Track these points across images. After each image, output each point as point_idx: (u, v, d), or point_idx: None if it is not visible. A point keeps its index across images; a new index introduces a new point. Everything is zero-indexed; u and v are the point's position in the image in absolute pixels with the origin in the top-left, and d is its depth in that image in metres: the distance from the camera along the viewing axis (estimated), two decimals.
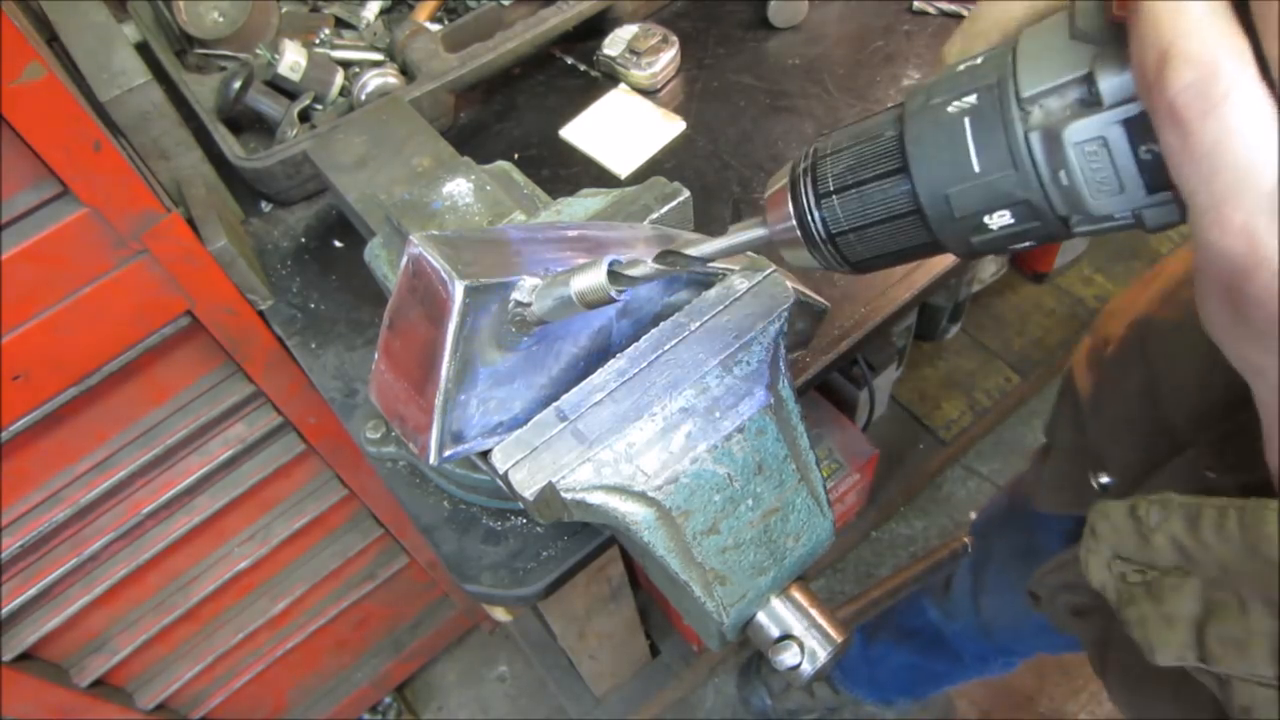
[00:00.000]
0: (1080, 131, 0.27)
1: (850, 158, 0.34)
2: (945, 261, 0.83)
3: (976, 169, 0.30)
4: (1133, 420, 0.64)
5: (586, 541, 0.69)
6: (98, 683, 1.10)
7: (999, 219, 0.30)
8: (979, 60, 0.31)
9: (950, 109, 0.30)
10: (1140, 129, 0.27)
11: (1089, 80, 0.27)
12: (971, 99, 0.30)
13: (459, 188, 0.67)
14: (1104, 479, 0.66)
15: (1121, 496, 0.65)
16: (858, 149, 0.34)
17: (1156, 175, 0.27)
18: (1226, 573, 0.33)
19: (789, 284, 0.52)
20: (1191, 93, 0.23)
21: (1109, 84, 0.27)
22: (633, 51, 1.01)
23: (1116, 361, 0.69)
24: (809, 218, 0.35)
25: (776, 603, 0.52)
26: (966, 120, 0.30)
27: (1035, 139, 0.28)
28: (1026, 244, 0.32)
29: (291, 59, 0.96)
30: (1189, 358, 0.58)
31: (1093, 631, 0.69)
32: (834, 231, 0.35)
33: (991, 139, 0.29)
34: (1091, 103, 0.27)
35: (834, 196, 0.34)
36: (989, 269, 1.96)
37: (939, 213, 0.31)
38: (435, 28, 1.01)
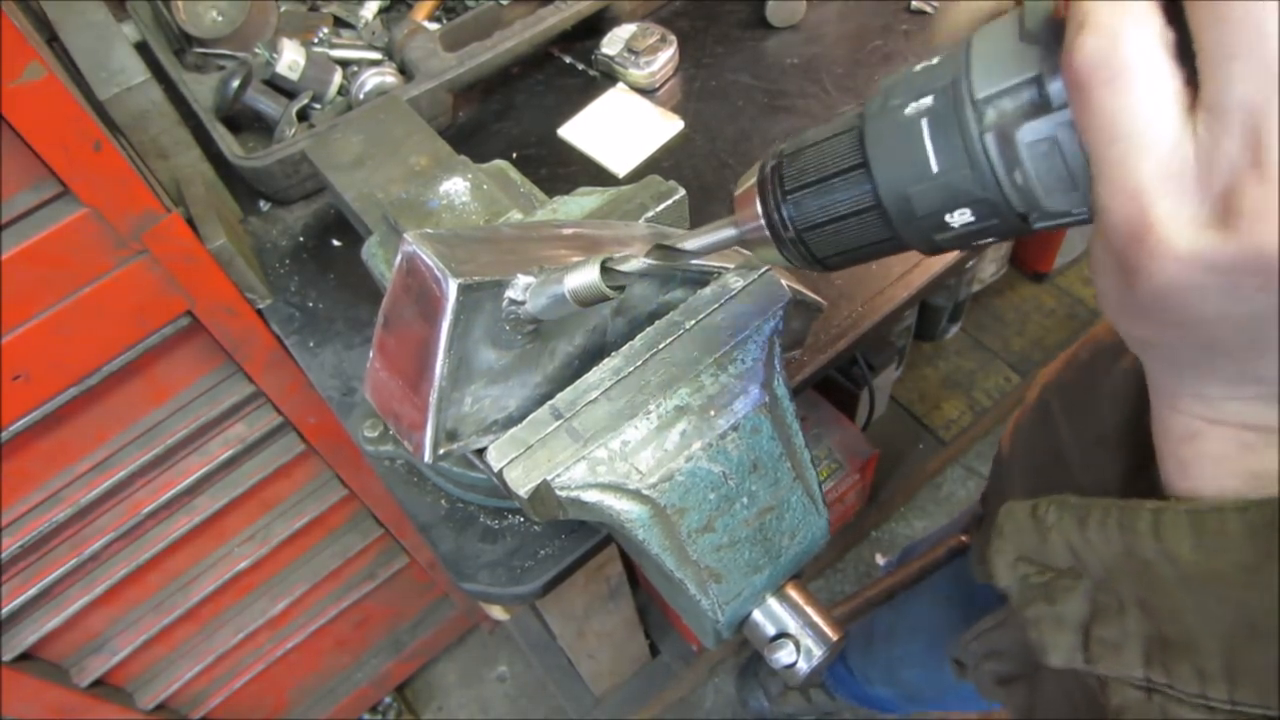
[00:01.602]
0: (1032, 132, 0.28)
1: (814, 155, 0.35)
2: (943, 260, 0.83)
3: (935, 169, 0.30)
4: (1043, 485, 0.64)
5: (584, 540, 0.69)
6: (98, 683, 1.11)
7: (960, 217, 0.31)
8: (935, 61, 0.31)
9: (908, 111, 0.31)
10: None
11: (1038, 82, 0.28)
12: (928, 100, 0.30)
13: (456, 187, 0.67)
14: None
15: None
16: (820, 148, 0.34)
17: None
18: (1109, 573, 0.33)
19: (784, 282, 0.53)
20: (1096, 59, 0.24)
21: (1056, 85, 0.27)
22: (631, 51, 1.01)
23: (1026, 426, 0.70)
24: (775, 216, 0.36)
25: (772, 601, 0.52)
26: (924, 121, 0.30)
27: (990, 139, 0.29)
28: (989, 240, 0.32)
29: (290, 58, 0.96)
30: (1090, 415, 0.59)
31: (1018, 699, 0.68)
32: (800, 229, 0.35)
33: (948, 140, 0.30)
34: (1042, 105, 0.28)
35: (799, 194, 0.35)
36: (989, 269, 1.96)
37: (901, 211, 0.32)
38: (434, 27, 1.01)
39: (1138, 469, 0.36)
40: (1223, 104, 0.22)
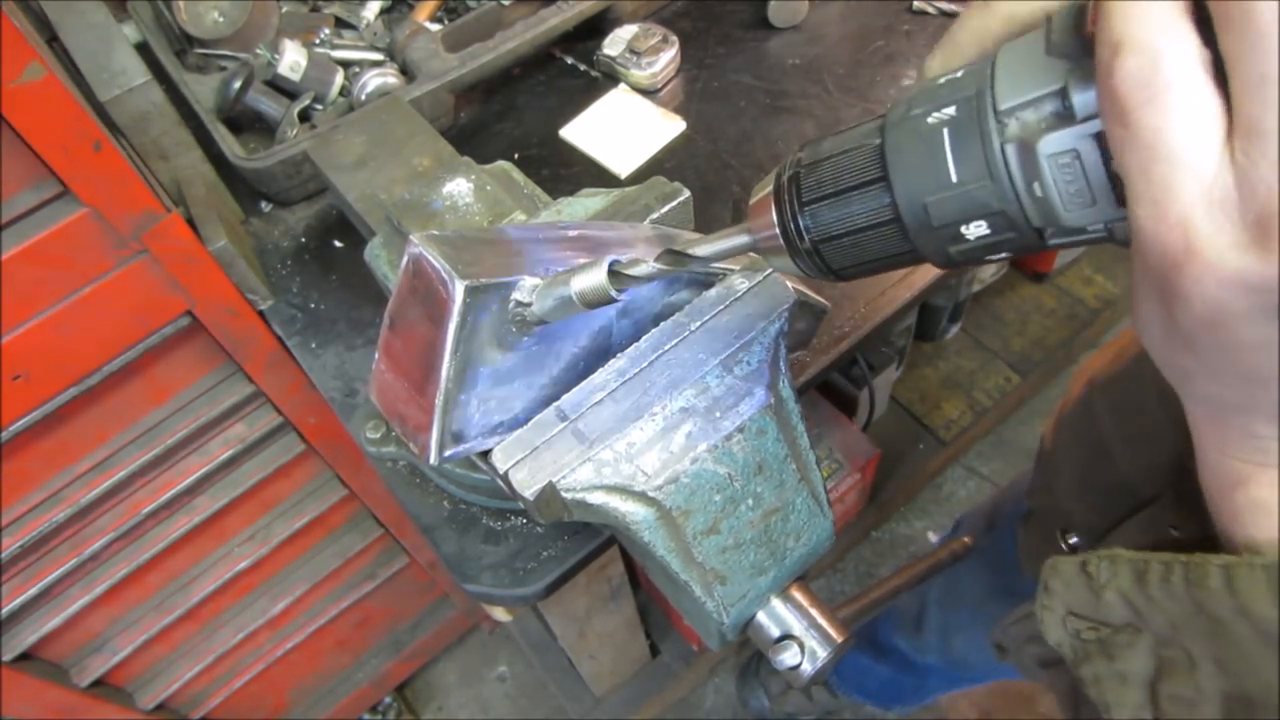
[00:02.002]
0: (1054, 144, 0.28)
1: (832, 167, 0.34)
2: None
3: (954, 179, 0.30)
4: (1089, 478, 0.64)
5: (587, 541, 0.69)
6: (98, 683, 1.10)
7: (975, 229, 0.31)
8: (959, 74, 0.31)
9: (930, 120, 0.30)
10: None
11: (1063, 94, 0.28)
12: (950, 110, 0.30)
13: (459, 188, 0.67)
14: (1072, 539, 0.66)
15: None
16: (839, 158, 0.34)
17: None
18: (1175, 630, 0.33)
19: (790, 284, 0.52)
20: (1135, 79, 0.24)
21: (1081, 98, 0.27)
22: (633, 51, 1.01)
23: (1069, 420, 0.69)
24: (791, 226, 0.36)
25: (777, 603, 0.52)
26: (945, 131, 0.30)
27: (1011, 150, 0.29)
28: (1002, 255, 0.32)
29: (291, 59, 0.96)
30: (1137, 412, 0.58)
31: (1063, 682, 0.68)
32: (816, 240, 0.35)
33: (969, 150, 0.30)
34: (1065, 116, 0.28)
35: (816, 205, 0.35)
36: (989, 269, 1.96)
37: (917, 222, 0.32)
38: (435, 28, 1.01)
39: (1187, 467, 0.36)
40: (1260, 128, 0.22)
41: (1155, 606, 0.33)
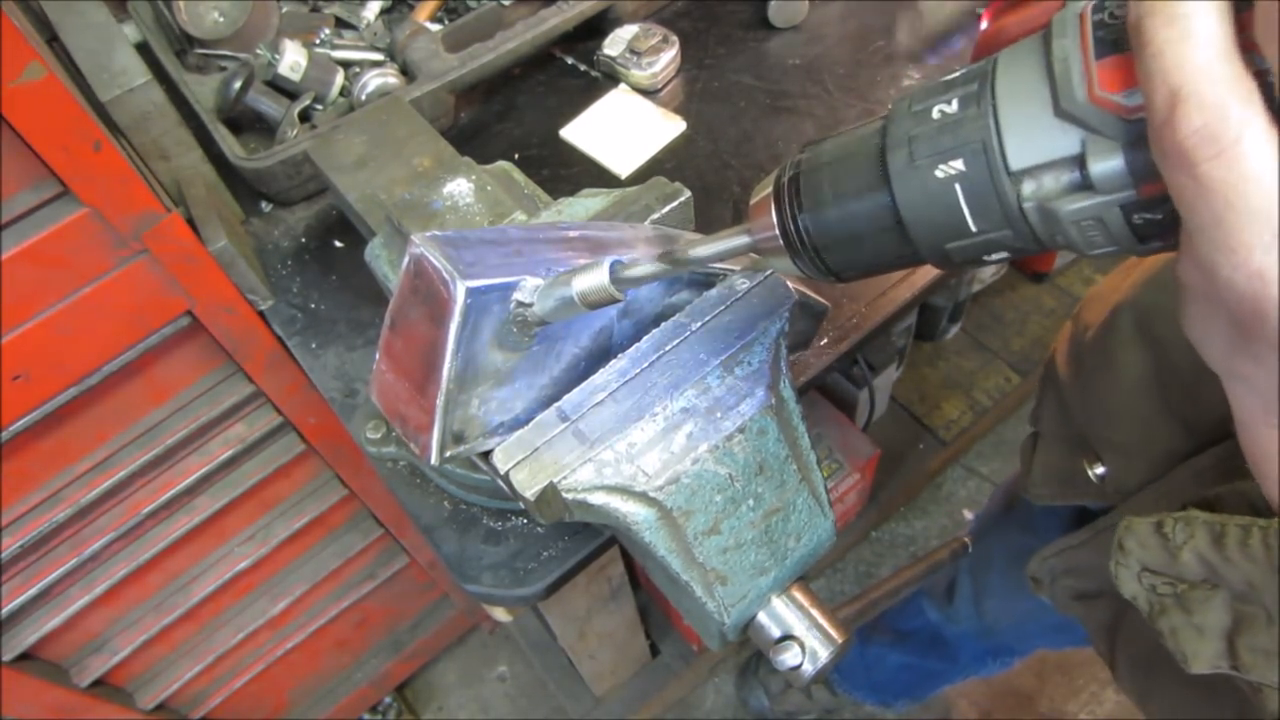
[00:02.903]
0: (1076, 212, 0.28)
1: (832, 174, 0.34)
2: None
3: (973, 229, 0.31)
4: (1127, 407, 0.64)
5: (587, 542, 0.69)
6: (98, 683, 1.10)
7: (997, 257, 0.32)
8: (954, 107, 0.30)
9: (938, 174, 0.30)
10: (1133, 206, 0.28)
11: (1080, 163, 0.28)
12: (959, 164, 0.30)
13: (460, 188, 0.67)
14: (1099, 469, 0.66)
15: (1118, 487, 0.64)
16: (838, 166, 0.34)
17: (1149, 230, 0.28)
18: (1253, 587, 0.34)
19: (790, 284, 0.52)
20: (1201, 135, 0.24)
21: (1102, 172, 0.27)
22: (633, 51, 1.01)
23: (1101, 348, 0.68)
24: (791, 227, 0.36)
25: (778, 603, 0.52)
26: (957, 187, 0.30)
27: (1030, 208, 0.29)
28: (1002, 256, 0.33)
29: (292, 59, 0.96)
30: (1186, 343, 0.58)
31: (1098, 616, 0.69)
32: (816, 241, 0.35)
33: (985, 205, 0.30)
34: (1085, 185, 0.28)
35: (816, 208, 0.35)
36: (989, 269, 1.96)
37: (933, 254, 0.33)
38: (435, 28, 1.01)
39: None
40: None
41: (1233, 567, 0.35)
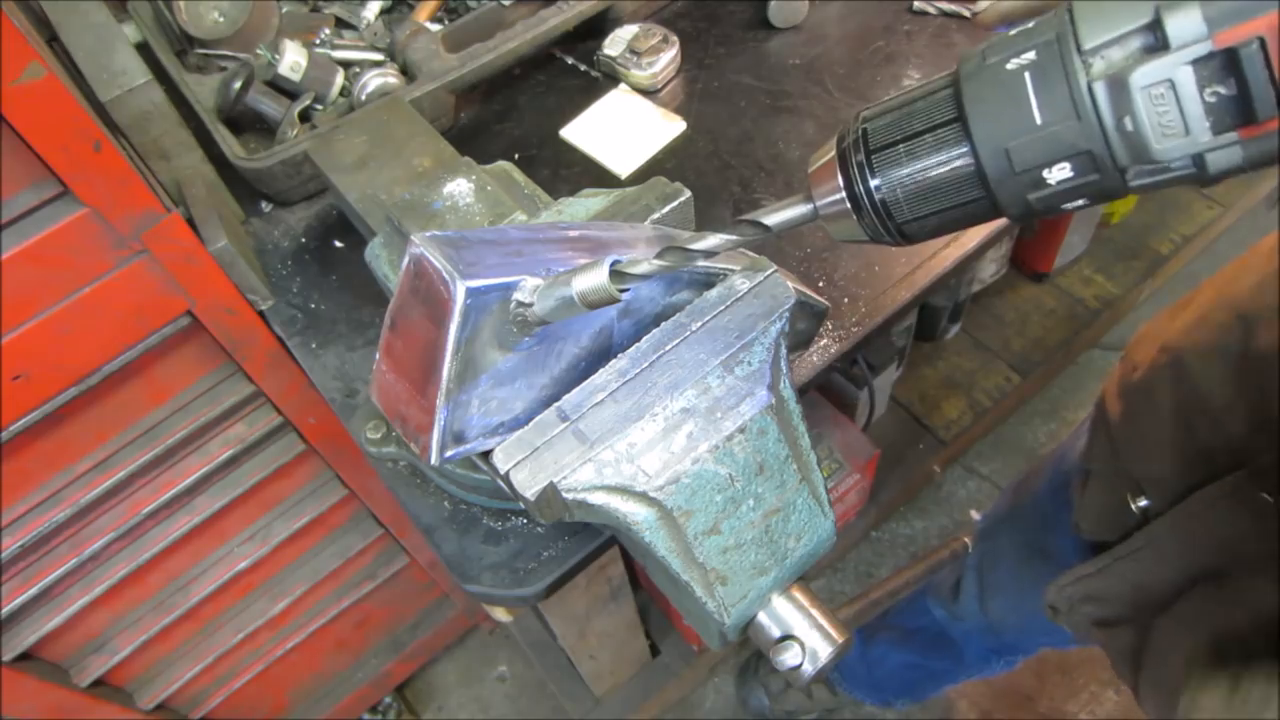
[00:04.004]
0: (1148, 75, 0.28)
1: (902, 117, 0.34)
2: (946, 260, 0.83)
3: (1038, 120, 0.30)
4: (1168, 442, 0.65)
5: (587, 542, 0.69)
6: (98, 683, 1.10)
7: (1058, 173, 0.31)
8: (1031, 25, 0.31)
9: (1009, 65, 0.30)
10: (1206, 69, 0.27)
11: (1153, 27, 0.28)
12: (1030, 55, 0.30)
13: (460, 188, 0.67)
14: (1142, 502, 0.67)
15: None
16: (909, 109, 0.34)
17: (1222, 116, 0.28)
18: None
19: (790, 284, 0.52)
20: None
21: (1176, 26, 0.27)
22: (633, 51, 1.01)
23: (1146, 386, 0.70)
24: (859, 185, 0.35)
25: (778, 603, 0.52)
26: (1027, 75, 0.30)
27: (1099, 88, 0.29)
28: (1080, 202, 0.32)
29: (292, 59, 0.96)
30: (1225, 380, 0.60)
31: (1120, 642, 0.69)
32: (886, 194, 0.35)
33: (1054, 91, 0.30)
34: (1157, 47, 0.28)
35: (886, 155, 0.34)
36: (989, 269, 1.96)
37: (998, 169, 0.32)
38: (435, 28, 1.01)
39: None
40: None
41: None
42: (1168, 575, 0.63)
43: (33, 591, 0.93)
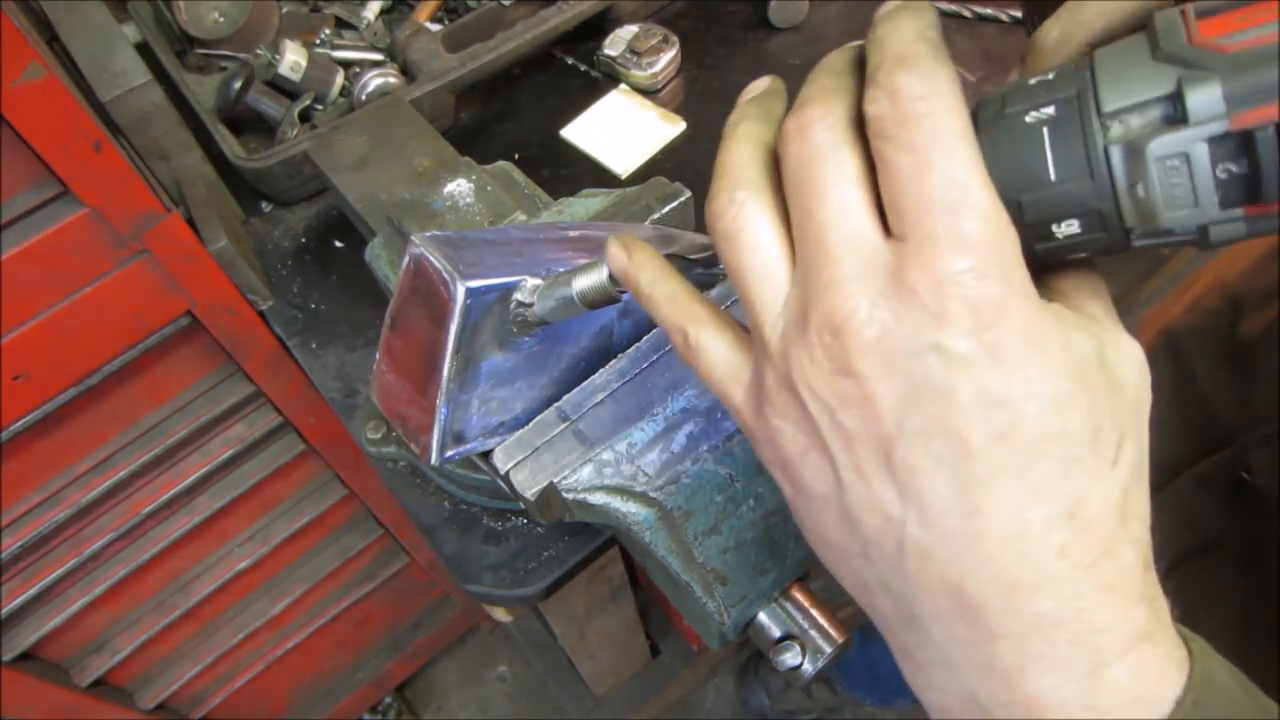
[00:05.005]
0: (1164, 146, 0.28)
1: None
2: None
3: (1053, 177, 0.30)
4: (1164, 423, 0.66)
5: (587, 542, 0.69)
6: (98, 683, 1.10)
7: (1066, 228, 0.31)
8: (1050, 76, 0.32)
9: (1028, 119, 0.31)
10: (1221, 147, 0.28)
11: (1174, 99, 0.28)
12: (1049, 110, 0.30)
13: (460, 188, 0.67)
14: None
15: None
16: None
17: (1230, 193, 0.28)
18: None
19: None
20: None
21: (1196, 102, 0.28)
22: (633, 51, 1.01)
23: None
24: None
25: (778, 603, 0.52)
26: (1045, 130, 0.30)
27: (1115, 152, 0.29)
28: (1082, 255, 0.33)
29: (292, 59, 0.96)
30: (1214, 360, 0.61)
31: None
32: None
33: (1070, 149, 0.30)
34: (1176, 120, 0.28)
35: None
36: None
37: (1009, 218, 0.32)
38: (436, 28, 1.01)
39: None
40: None
41: None
42: (1158, 557, 0.64)
43: (33, 591, 0.93)
